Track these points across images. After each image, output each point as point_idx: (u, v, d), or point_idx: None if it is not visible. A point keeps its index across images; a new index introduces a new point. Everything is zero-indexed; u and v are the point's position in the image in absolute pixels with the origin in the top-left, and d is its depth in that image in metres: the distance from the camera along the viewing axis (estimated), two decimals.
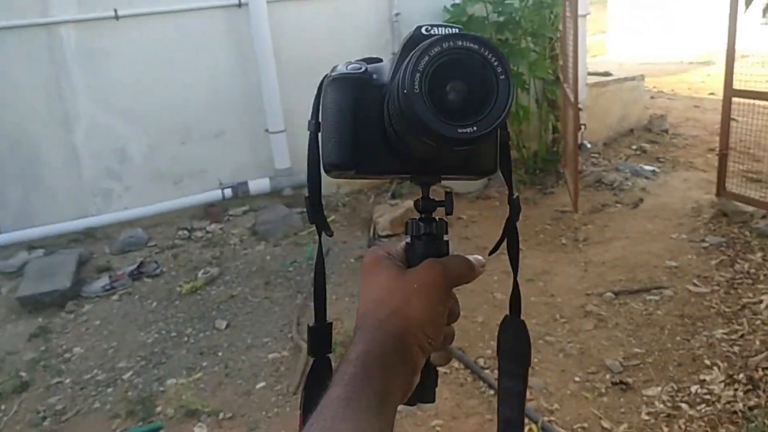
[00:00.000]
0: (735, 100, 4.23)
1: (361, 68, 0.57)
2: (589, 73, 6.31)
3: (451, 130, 0.46)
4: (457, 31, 0.50)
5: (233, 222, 4.83)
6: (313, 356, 0.63)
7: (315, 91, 0.60)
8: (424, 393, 0.61)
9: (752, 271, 3.55)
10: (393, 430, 0.50)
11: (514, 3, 4.98)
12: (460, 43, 0.47)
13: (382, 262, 0.58)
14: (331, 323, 0.64)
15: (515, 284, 0.66)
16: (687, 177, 5.18)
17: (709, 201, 4.48)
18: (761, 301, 3.24)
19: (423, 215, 0.61)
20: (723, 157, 4.22)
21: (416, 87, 0.46)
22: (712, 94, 7.67)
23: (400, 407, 0.54)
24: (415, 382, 0.56)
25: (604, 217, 4.52)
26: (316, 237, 0.63)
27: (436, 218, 0.61)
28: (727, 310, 3.21)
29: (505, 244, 0.65)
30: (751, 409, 2.47)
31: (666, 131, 6.28)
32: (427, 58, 0.46)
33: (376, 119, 0.55)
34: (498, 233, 0.64)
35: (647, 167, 5.32)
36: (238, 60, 4.86)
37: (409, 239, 0.61)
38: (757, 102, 4.15)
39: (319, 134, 0.58)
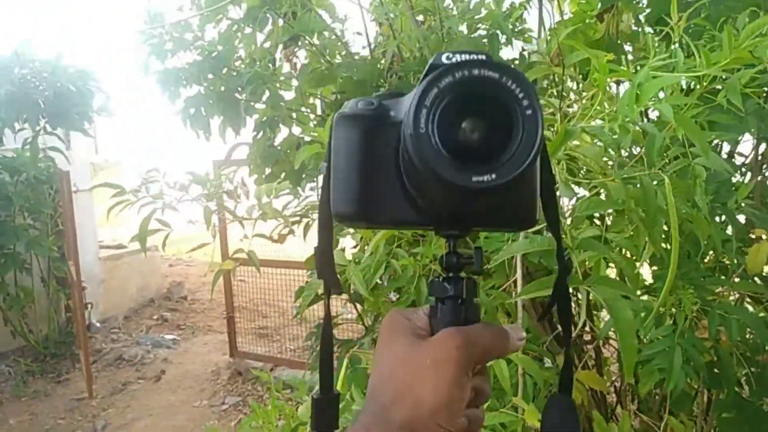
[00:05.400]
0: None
1: (372, 104, 0.48)
2: (103, 246, 6.19)
3: (464, 178, 0.38)
4: (483, 57, 0.41)
5: None
6: None
7: None
8: None
9: None
10: None
11: (5, 177, 4.61)
12: (476, 71, 0.39)
13: (399, 327, 0.48)
14: (338, 394, 0.55)
15: (567, 355, 0.54)
16: (207, 341, 5.41)
17: (226, 362, 4.73)
18: None
19: (448, 274, 0.49)
20: (230, 320, 4.58)
21: (422, 126, 0.38)
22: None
23: None
24: None
25: (126, 397, 4.27)
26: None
27: (464, 277, 0.49)
28: None
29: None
30: None
31: (185, 298, 6.53)
32: (435, 90, 0.39)
33: (391, 163, 0.46)
34: None
35: (168, 336, 5.37)
36: None
37: (433, 302, 0.50)
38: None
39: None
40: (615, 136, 0.75)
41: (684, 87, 1.04)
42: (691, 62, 0.77)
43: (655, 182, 0.81)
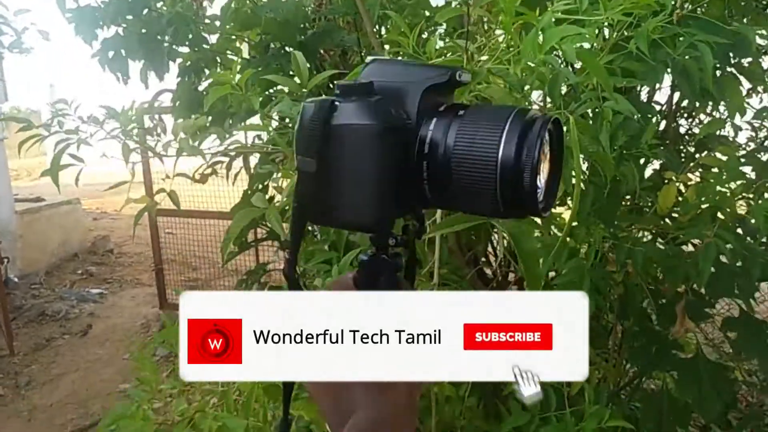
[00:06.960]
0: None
1: (404, 115, 0.46)
2: (19, 200, 5.88)
3: (544, 210, 0.47)
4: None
5: None
6: None
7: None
8: None
9: None
10: None
11: None
12: (551, 126, 0.46)
13: None
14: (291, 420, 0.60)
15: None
16: (135, 294, 5.30)
17: (155, 314, 4.66)
18: None
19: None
20: (159, 272, 4.50)
21: (526, 182, 0.44)
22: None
23: None
24: None
25: (50, 353, 4.16)
26: None
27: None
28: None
29: None
30: None
31: (111, 251, 6.33)
32: (530, 133, 0.44)
33: (411, 169, 0.47)
34: None
35: (94, 291, 5.22)
36: None
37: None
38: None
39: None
40: (522, 77, 0.78)
41: (605, 36, 1.08)
42: (595, 9, 0.80)
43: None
